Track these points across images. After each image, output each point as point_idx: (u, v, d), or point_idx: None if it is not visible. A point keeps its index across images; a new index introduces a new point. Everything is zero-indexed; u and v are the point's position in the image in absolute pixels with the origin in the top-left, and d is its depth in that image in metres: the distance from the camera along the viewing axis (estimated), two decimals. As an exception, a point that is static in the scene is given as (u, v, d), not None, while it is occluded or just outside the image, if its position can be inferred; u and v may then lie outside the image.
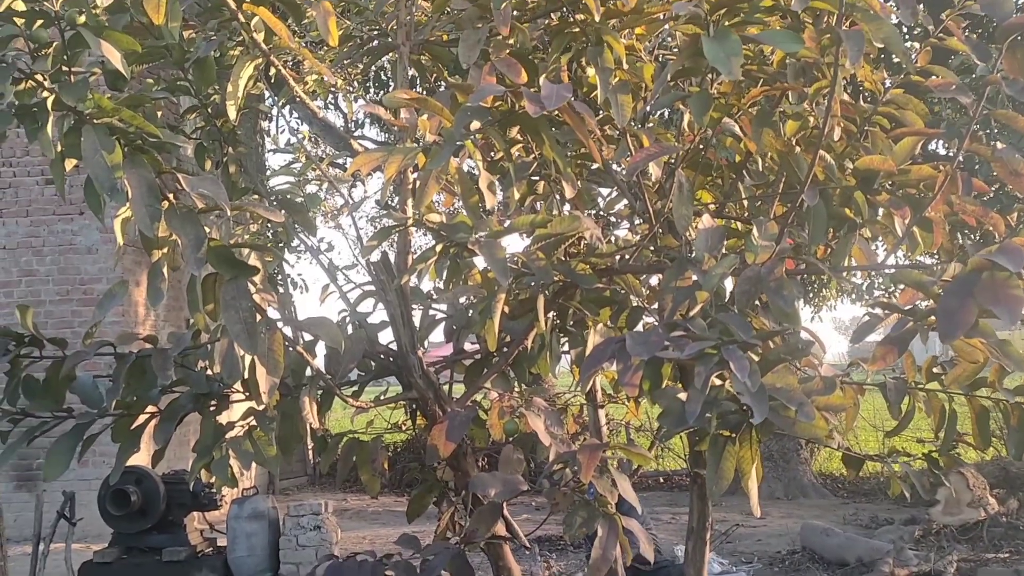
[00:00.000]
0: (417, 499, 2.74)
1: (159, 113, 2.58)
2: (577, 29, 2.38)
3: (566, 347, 2.82)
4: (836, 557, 8.25)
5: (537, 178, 2.74)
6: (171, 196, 1.91)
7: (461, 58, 2.19)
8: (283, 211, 2.56)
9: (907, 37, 9.05)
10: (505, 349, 2.59)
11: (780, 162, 2.37)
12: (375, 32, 2.98)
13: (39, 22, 1.91)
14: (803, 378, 1.79)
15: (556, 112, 2.38)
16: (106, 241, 10.34)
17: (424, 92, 2.63)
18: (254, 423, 2.30)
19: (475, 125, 1.99)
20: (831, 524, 9.37)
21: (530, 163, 2.62)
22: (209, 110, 2.67)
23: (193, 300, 2.03)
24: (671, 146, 2.35)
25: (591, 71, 2.56)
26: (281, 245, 3.05)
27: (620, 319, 2.61)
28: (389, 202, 2.87)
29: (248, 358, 2.02)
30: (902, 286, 2.04)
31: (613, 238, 3.02)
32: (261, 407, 2.21)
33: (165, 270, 2.04)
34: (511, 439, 2.49)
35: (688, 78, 2.59)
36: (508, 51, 2.37)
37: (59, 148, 1.86)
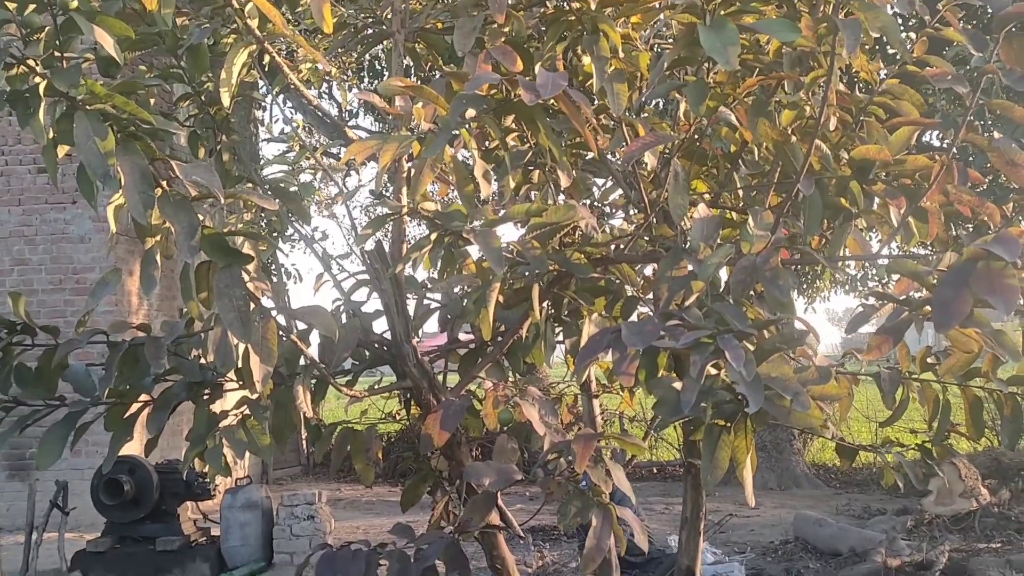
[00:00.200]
0: (411, 489, 2.74)
1: (152, 101, 2.57)
2: (573, 17, 2.37)
3: (560, 337, 2.82)
4: (829, 547, 8.28)
5: (532, 167, 2.73)
6: (164, 183, 1.89)
7: (456, 46, 2.18)
8: (277, 199, 2.55)
9: (903, 27, 9.04)
10: (499, 339, 2.59)
11: (776, 152, 2.36)
12: (370, 20, 2.97)
13: (31, 7, 1.89)
14: (798, 368, 1.79)
15: (552, 101, 2.38)
16: (99, 230, 10.31)
17: (419, 81, 2.61)
18: (248, 412, 2.29)
19: (470, 113, 1.98)
20: (824, 514, 9.40)
21: (525, 152, 2.61)
22: (203, 98, 2.66)
23: (186, 288, 2.02)
24: (667, 135, 2.35)
25: (587, 60, 2.55)
26: (275, 234, 3.04)
27: (615, 309, 2.60)
28: (383, 191, 2.86)
29: (242, 347, 2.02)
30: (897, 276, 2.05)
31: (608, 228, 3.01)
32: (255, 396, 2.21)
33: (158, 258, 2.03)
34: (505, 429, 2.49)
35: (684, 67, 2.58)
36: (504, 39, 2.36)
37: (51, 134, 1.85)
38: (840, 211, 2.29)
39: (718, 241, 2.10)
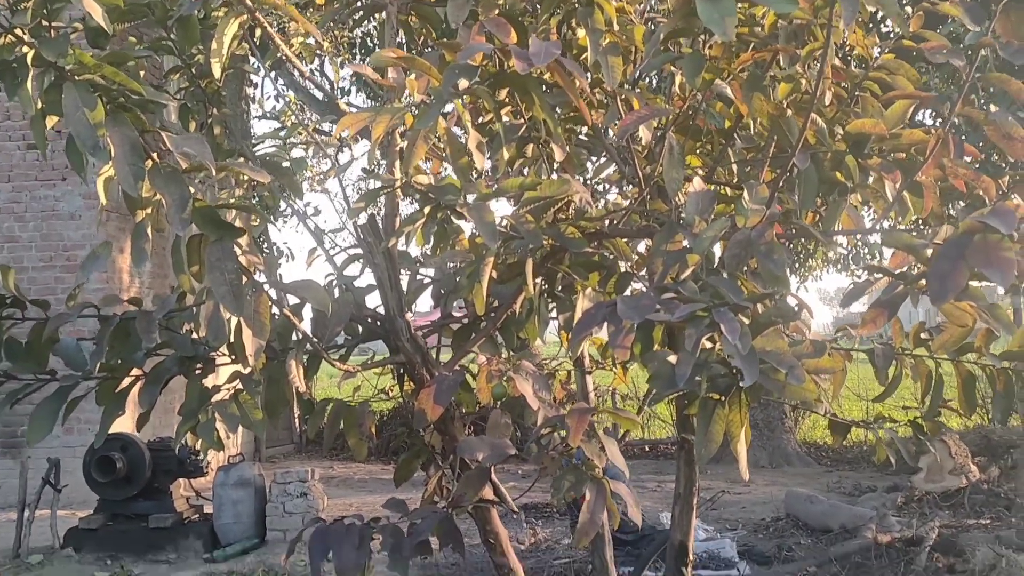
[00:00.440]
0: (404, 464, 2.74)
1: (142, 73, 2.54)
2: (567, -10, 2.34)
3: (554, 313, 2.81)
4: (820, 524, 8.32)
5: (526, 141, 2.71)
6: (155, 155, 1.88)
7: (450, 17, 2.15)
8: (269, 173, 2.53)
9: (899, 2, 9.01)
10: (493, 314, 2.58)
11: (771, 126, 2.35)
12: (362, -8, 2.94)
13: (19, -24, 1.87)
14: (793, 342, 1.78)
15: (546, 74, 2.35)
16: (89, 207, 10.27)
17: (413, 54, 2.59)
18: (240, 386, 2.28)
19: (463, 84, 1.96)
20: (815, 492, 9.46)
21: (519, 126, 2.59)
22: (193, 70, 2.63)
23: (178, 261, 2.01)
24: (662, 108, 2.33)
25: (581, 33, 2.53)
26: (267, 209, 3.02)
27: (609, 284, 2.60)
28: (376, 167, 2.84)
29: (234, 320, 2.00)
30: (891, 251, 2.04)
31: (603, 202, 3.00)
32: (247, 370, 2.20)
33: (149, 231, 2.01)
34: (499, 404, 2.48)
35: (679, 41, 2.56)
36: (497, 12, 2.33)
37: (39, 105, 1.83)
38: (835, 185, 2.28)
39: (713, 216, 2.09)
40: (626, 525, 7.29)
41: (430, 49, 2.73)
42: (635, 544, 7.15)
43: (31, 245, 10.39)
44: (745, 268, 2.09)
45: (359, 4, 2.95)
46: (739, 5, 2.19)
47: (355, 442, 2.52)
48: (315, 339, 2.32)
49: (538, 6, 2.52)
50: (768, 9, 2.34)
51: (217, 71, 2.15)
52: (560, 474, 2.20)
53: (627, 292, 2.55)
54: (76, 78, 1.79)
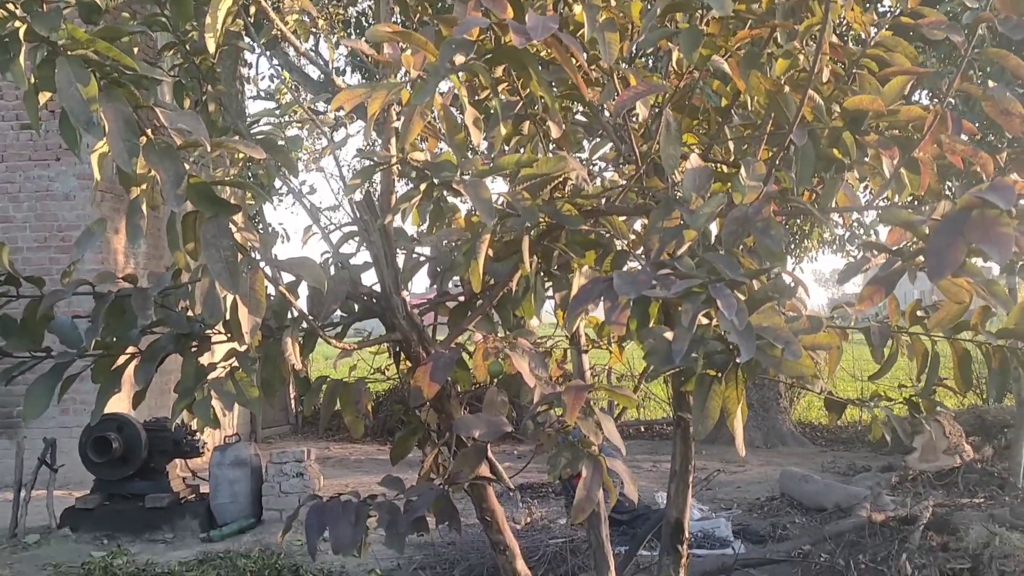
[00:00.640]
0: (401, 442, 2.74)
1: (135, 50, 2.52)
2: (564, -36, 2.33)
3: (550, 292, 2.81)
4: (814, 503, 8.36)
5: (522, 119, 2.70)
6: (149, 132, 1.86)
7: (446, -8, 2.14)
8: (264, 151, 2.52)
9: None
10: (489, 292, 2.58)
11: (768, 103, 2.34)
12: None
13: (10, -50, 1.85)
14: (789, 318, 1.78)
15: (544, 50, 2.34)
16: (83, 188, 10.24)
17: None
18: (236, 364, 2.27)
19: (460, 59, 1.95)
20: (810, 471, 9.49)
21: (515, 103, 2.58)
22: (187, 47, 2.62)
23: (173, 239, 2.00)
24: (659, 84, 2.32)
25: (578, 8, 2.51)
26: (262, 187, 3.01)
27: (605, 263, 2.59)
28: (371, 145, 2.83)
29: (230, 298, 1.99)
30: (889, 228, 2.04)
31: (599, 180, 2.99)
32: (243, 348, 2.19)
33: (144, 208, 2.00)
34: (495, 382, 2.48)
35: (675, 17, 2.55)
36: (493, -14, 2.32)
37: (32, 80, 1.81)
38: (832, 162, 2.28)
39: (709, 193, 2.08)
40: (621, 505, 7.32)
41: (426, 25, 2.72)
42: (630, 523, 7.18)
43: (25, 225, 10.36)
44: (742, 246, 2.09)
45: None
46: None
47: (351, 420, 2.52)
48: (311, 317, 2.32)
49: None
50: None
51: (212, 47, 2.13)
52: (556, 451, 2.20)
53: (623, 270, 2.55)
54: (69, 53, 1.78)
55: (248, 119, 3.02)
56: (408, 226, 2.78)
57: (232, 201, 1.97)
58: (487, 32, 2.12)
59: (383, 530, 2.25)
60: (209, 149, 1.84)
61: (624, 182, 2.65)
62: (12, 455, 8.33)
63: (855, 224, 13.73)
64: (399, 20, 2.91)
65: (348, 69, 13.98)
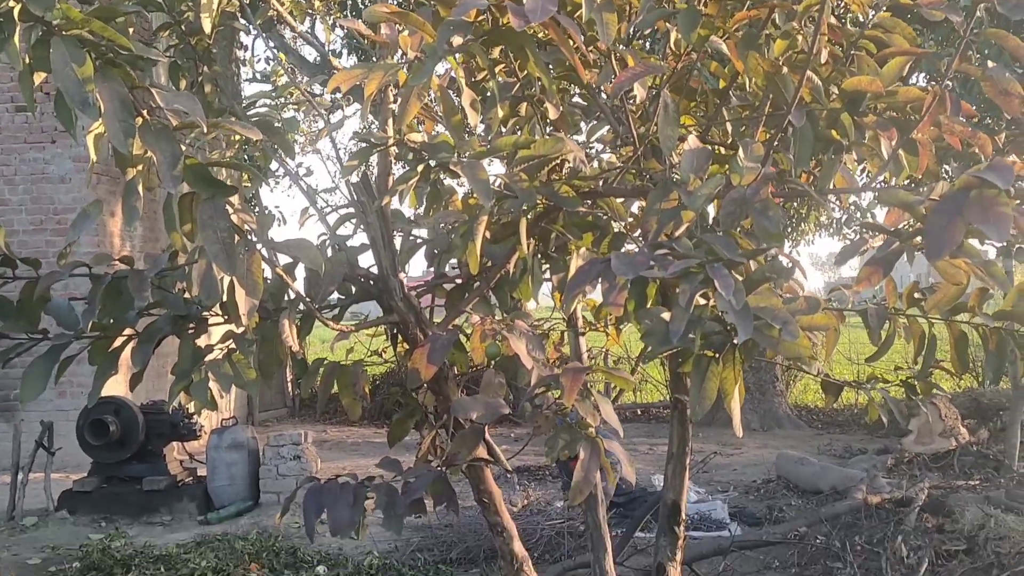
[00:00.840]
0: (398, 424, 2.74)
1: (130, 31, 2.51)
2: (562, -56, 2.31)
3: (547, 274, 2.81)
4: (810, 486, 8.39)
5: (520, 100, 2.69)
6: (145, 113, 1.85)
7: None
8: (261, 132, 2.51)
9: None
10: (486, 274, 2.57)
11: (767, 84, 2.33)
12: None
13: (4, -71, 1.83)
14: (787, 299, 1.78)
15: (541, 32, 2.33)
16: (79, 170, 10.21)
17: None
18: (233, 346, 2.27)
19: (458, 41, 1.94)
20: (806, 454, 9.53)
21: (512, 84, 2.57)
22: (183, 27, 2.60)
23: (169, 220, 1.99)
24: (657, 65, 2.31)
25: (575, -11, 2.50)
26: (259, 168, 3.00)
27: (602, 245, 2.59)
28: (367, 127, 2.82)
29: (227, 280, 1.99)
30: (886, 209, 2.03)
31: (597, 162, 2.98)
32: (240, 330, 2.19)
33: (140, 189, 1.99)
34: (492, 364, 2.48)
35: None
36: (491, -33, 2.31)
37: (27, 60, 1.80)
38: (831, 144, 2.27)
39: (707, 175, 2.08)
40: (618, 487, 7.35)
41: (424, 6, 2.70)
42: (627, 506, 7.20)
43: (21, 208, 10.33)
44: (739, 228, 2.09)
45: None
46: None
47: (349, 402, 2.52)
48: (308, 299, 2.31)
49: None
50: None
51: (207, 27, 2.12)
52: (554, 433, 2.20)
53: (621, 251, 2.54)
54: (64, 33, 1.77)
55: (244, 101, 3.01)
56: (405, 208, 2.78)
57: (228, 183, 1.97)
58: (485, 13, 2.11)
59: (381, 512, 2.25)
60: (205, 130, 1.83)
61: (622, 164, 2.65)
62: (9, 438, 8.33)
63: (852, 207, 13.73)
64: (397, 1, 2.90)
65: (344, 51, 13.94)
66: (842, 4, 2.72)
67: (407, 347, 2.58)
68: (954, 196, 1.52)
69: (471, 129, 2.27)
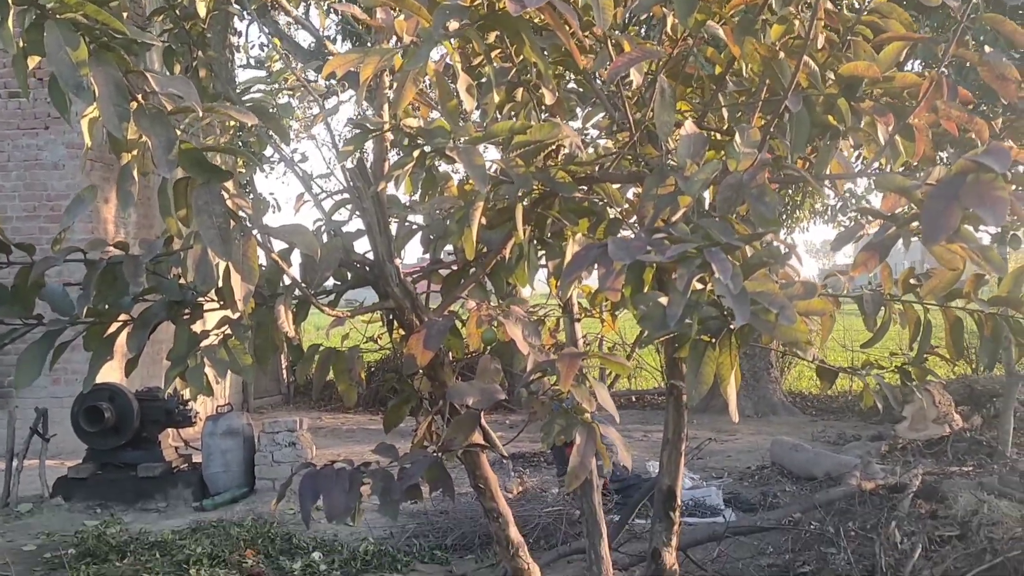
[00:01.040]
0: (394, 410, 2.74)
1: (124, 15, 2.49)
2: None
3: (543, 260, 2.81)
4: (804, 472, 8.42)
5: (515, 85, 2.68)
6: (139, 97, 1.85)
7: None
8: (256, 117, 2.50)
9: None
10: (482, 260, 2.57)
11: (763, 69, 2.33)
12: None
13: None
14: (783, 284, 1.78)
15: (537, 17, 2.32)
16: (72, 157, 10.17)
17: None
18: (229, 332, 2.27)
19: (454, 25, 1.93)
20: (800, 440, 9.55)
21: (508, 70, 2.56)
22: (177, 12, 2.59)
23: (164, 205, 1.99)
24: (654, 50, 2.31)
25: (572, -26, 2.49)
26: (253, 153, 2.99)
27: (598, 231, 2.59)
28: (361, 114, 2.81)
29: (222, 265, 1.99)
30: (883, 194, 2.03)
31: (593, 147, 2.98)
32: (236, 315, 2.19)
33: (135, 173, 1.98)
34: (488, 349, 2.48)
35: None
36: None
37: (21, 44, 1.79)
38: (827, 129, 2.27)
39: (703, 161, 2.07)
40: (612, 474, 7.37)
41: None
42: (622, 493, 7.22)
43: (14, 195, 10.30)
44: (735, 214, 2.09)
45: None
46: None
47: (345, 387, 2.52)
48: (304, 284, 2.31)
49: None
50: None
51: (202, 10, 2.11)
52: (550, 419, 2.20)
53: (618, 236, 2.54)
54: (58, 17, 1.76)
55: (238, 87, 2.99)
56: (401, 194, 2.77)
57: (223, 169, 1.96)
58: (482, -3, 2.11)
59: (377, 497, 2.25)
60: (201, 114, 1.83)
61: (618, 149, 2.64)
62: (4, 425, 8.32)
63: (847, 194, 13.74)
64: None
65: (339, 37, 13.89)
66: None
67: (403, 333, 2.58)
68: (951, 181, 1.52)
69: (467, 115, 2.27)
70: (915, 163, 2.35)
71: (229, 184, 1.95)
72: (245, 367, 2.26)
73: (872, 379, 2.82)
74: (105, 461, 7.98)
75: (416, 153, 2.17)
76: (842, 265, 2.66)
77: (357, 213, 2.50)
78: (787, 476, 8.58)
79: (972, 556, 5.20)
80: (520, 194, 2.30)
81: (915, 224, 1.73)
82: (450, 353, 2.64)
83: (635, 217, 2.67)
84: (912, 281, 2.51)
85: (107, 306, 2.29)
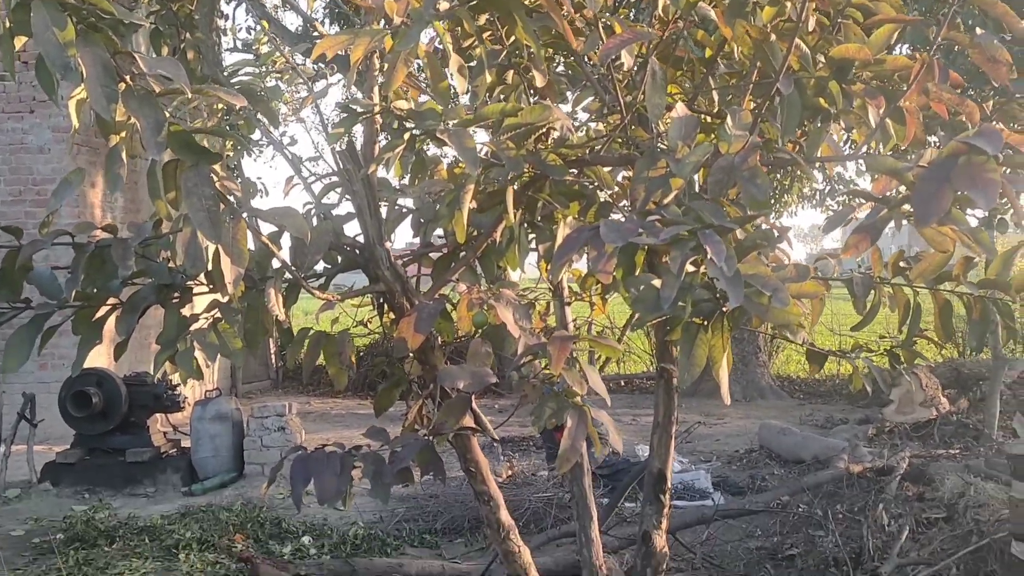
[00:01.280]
0: (384, 394, 2.73)
1: (111, -4, 2.47)
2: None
3: (534, 244, 2.80)
4: (792, 455, 8.46)
5: (506, 68, 2.67)
6: (127, 78, 1.83)
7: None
8: (245, 99, 2.48)
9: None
10: (473, 243, 2.56)
11: (754, 52, 2.32)
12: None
13: None
14: (775, 267, 1.78)
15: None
16: (58, 140, 10.10)
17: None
18: (219, 316, 2.26)
19: (444, 5, 1.92)
20: (788, 424, 9.59)
21: (499, 52, 2.55)
22: (164, -7, 2.57)
23: (153, 187, 1.97)
24: (645, 32, 2.30)
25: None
26: (242, 136, 2.97)
27: (589, 214, 2.58)
28: (349, 97, 2.80)
29: (212, 248, 1.97)
30: (874, 177, 2.03)
31: (583, 131, 2.97)
32: (226, 298, 2.17)
33: (124, 155, 1.97)
34: (479, 332, 2.48)
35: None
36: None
37: (7, 24, 1.77)
38: (818, 112, 2.27)
39: (694, 144, 2.07)
40: (603, 460, 7.39)
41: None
42: (611, 477, 7.24)
43: (0, 179, 10.22)
44: (725, 197, 2.08)
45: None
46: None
47: (335, 371, 2.51)
48: (294, 268, 2.30)
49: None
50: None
51: (190, -8, 2.09)
52: (541, 402, 2.20)
53: (610, 219, 2.54)
54: (44, -3, 1.74)
55: (226, 71, 2.97)
56: (391, 178, 2.76)
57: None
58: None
59: (368, 481, 2.25)
60: (189, 96, 1.81)
61: (608, 132, 2.64)
62: (-9, 410, 8.29)
63: (835, 178, 13.77)
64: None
65: (327, 20, 13.82)
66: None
67: (393, 316, 2.57)
68: (943, 162, 1.52)
69: (457, 97, 2.26)
70: (904, 147, 2.35)
71: (218, 166, 1.93)
72: (235, 351, 2.25)
73: (862, 362, 2.83)
74: (93, 446, 7.96)
75: (407, 136, 2.16)
76: (830, 250, 2.67)
77: (347, 196, 2.49)
78: (775, 459, 8.62)
79: (959, 538, 5.23)
80: (511, 177, 2.29)
81: (906, 206, 1.73)
82: (440, 337, 2.64)
83: (625, 200, 2.67)
84: (902, 264, 2.52)
85: (95, 290, 2.27)
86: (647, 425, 2.94)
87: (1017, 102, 2.51)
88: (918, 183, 1.54)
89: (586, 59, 2.68)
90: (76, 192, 9.02)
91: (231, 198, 1.96)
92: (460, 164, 2.77)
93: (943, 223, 1.67)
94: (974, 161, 1.48)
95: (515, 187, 2.40)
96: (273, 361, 15.43)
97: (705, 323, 1.78)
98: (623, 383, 14.35)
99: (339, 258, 2.54)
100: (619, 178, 2.80)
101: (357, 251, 2.50)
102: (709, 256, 1.55)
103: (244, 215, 2.00)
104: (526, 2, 2.48)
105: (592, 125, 3.01)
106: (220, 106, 3.05)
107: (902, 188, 1.85)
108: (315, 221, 2.46)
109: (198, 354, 2.25)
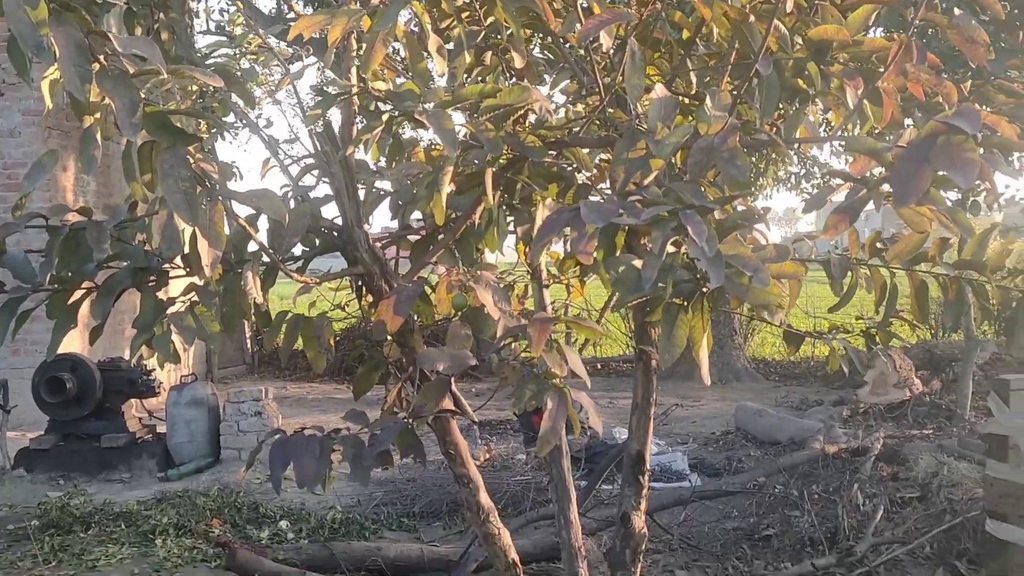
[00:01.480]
0: (363, 377, 2.73)
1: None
2: None
3: (512, 226, 2.79)
4: (768, 437, 8.52)
5: (484, 48, 2.66)
6: (101, 58, 1.80)
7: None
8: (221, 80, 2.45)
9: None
10: (451, 226, 2.55)
11: (733, 33, 2.32)
12: None
13: None
14: (755, 247, 1.78)
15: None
16: (28, 124, 9.97)
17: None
18: (196, 299, 2.24)
19: (423, -15, 1.91)
20: (764, 406, 9.65)
21: (478, 33, 2.54)
22: (137, -28, 2.53)
23: (129, 169, 1.95)
24: (624, 12, 2.29)
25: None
26: (219, 118, 2.94)
27: (568, 196, 2.58)
28: (324, 81, 2.77)
29: (188, 230, 1.96)
30: (853, 157, 2.04)
31: (562, 112, 2.96)
32: (203, 281, 2.16)
33: (98, 137, 1.94)
34: (458, 314, 2.47)
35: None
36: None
37: (-22, 3, 1.74)
38: (797, 93, 2.27)
39: (673, 125, 2.07)
40: (578, 442, 7.41)
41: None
42: (588, 460, 7.26)
43: (-31, 163, 10.09)
44: (705, 178, 2.08)
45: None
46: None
47: (313, 354, 2.50)
48: (271, 250, 2.28)
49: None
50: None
51: (164, -29, 2.06)
52: (521, 384, 2.20)
53: (590, 200, 2.53)
54: (16, -25, 1.71)
55: (200, 52, 2.94)
56: (368, 160, 2.74)
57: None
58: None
59: (347, 465, 2.24)
60: (165, 76, 1.79)
61: (587, 114, 2.63)
62: (-37, 397, 8.21)
63: (810, 161, 13.84)
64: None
65: (301, 2, 13.70)
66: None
67: (372, 299, 2.56)
68: (922, 143, 1.52)
69: (435, 78, 2.24)
70: (880, 129, 2.36)
71: (193, 148, 1.91)
72: (212, 334, 2.24)
73: (838, 343, 2.84)
74: (67, 432, 7.90)
75: (385, 117, 2.15)
76: (804, 233, 2.68)
77: (324, 179, 2.47)
78: (751, 441, 8.68)
79: (932, 517, 5.30)
80: (489, 159, 2.28)
81: (885, 187, 1.74)
82: (419, 319, 2.63)
83: (604, 182, 2.67)
84: (878, 245, 2.53)
85: (70, 273, 2.25)
86: (624, 408, 2.95)
87: (992, 84, 2.52)
88: (897, 163, 1.55)
89: (563, 40, 2.67)
90: (48, 175, 8.93)
91: (208, 180, 1.94)
92: (437, 146, 2.76)
93: (921, 203, 1.68)
94: (953, 141, 1.49)
95: (494, 169, 2.39)
96: (249, 346, 15.36)
97: (685, 304, 1.78)
98: (600, 366, 14.40)
99: (317, 241, 2.52)
100: (597, 160, 2.80)
101: (335, 233, 2.48)
102: (690, 236, 1.55)
103: (221, 197, 1.99)
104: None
105: (570, 107, 3.00)
106: (194, 88, 3.01)
107: (880, 169, 1.86)
108: (292, 203, 2.44)
109: (175, 338, 2.24)
